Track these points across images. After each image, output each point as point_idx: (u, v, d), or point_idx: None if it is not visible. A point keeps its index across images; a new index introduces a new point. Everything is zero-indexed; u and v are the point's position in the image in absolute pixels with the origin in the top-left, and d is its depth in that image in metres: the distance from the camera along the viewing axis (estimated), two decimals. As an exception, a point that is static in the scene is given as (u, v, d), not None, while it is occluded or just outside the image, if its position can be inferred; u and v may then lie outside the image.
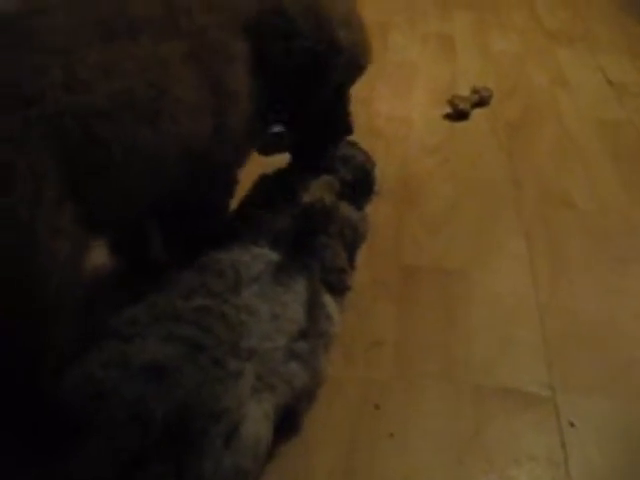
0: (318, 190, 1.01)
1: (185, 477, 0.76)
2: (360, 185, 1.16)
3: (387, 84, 1.94)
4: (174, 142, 0.89)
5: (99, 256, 1.10)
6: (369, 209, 1.23)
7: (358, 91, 1.21)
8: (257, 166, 1.19)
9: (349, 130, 1.19)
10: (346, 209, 1.10)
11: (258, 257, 0.97)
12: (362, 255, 1.18)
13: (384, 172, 1.31)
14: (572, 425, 0.99)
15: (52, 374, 0.83)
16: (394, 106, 1.85)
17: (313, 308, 0.95)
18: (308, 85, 1.06)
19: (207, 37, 0.93)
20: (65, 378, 0.81)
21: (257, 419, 0.83)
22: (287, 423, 0.91)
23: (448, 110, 1.80)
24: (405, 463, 0.93)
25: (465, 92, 1.87)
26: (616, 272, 1.29)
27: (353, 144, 1.22)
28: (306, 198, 0.99)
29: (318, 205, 0.99)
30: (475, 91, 1.86)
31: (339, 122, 1.17)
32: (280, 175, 1.16)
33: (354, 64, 1.13)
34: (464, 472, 0.93)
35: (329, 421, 0.98)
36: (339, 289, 1.03)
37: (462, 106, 1.79)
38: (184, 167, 0.93)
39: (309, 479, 0.91)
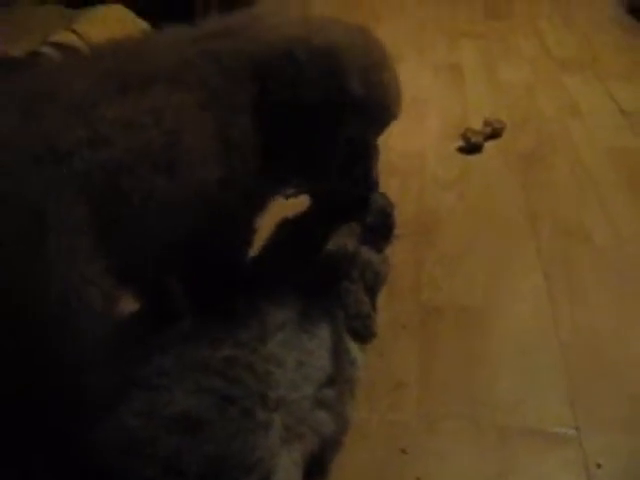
0: (340, 236, 1.03)
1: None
2: (380, 228, 1.17)
3: (400, 118, 1.95)
4: (189, 189, 0.91)
5: (124, 304, 1.12)
6: (387, 249, 1.24)
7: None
8: (279, 207, 1.20)
9: (370, 188, 1.14)
10: (367, 253, 1.11)
11: (282, 305, 0.99)
12: (381, 296, 1.19)
13: (400, 210, 1.31)
14: (599, 466, 0.98)
15: (86, 422, 0.83)
16: (407, 141, 1.87)
17: (338, 354, 0.96)
18: (317, 136, 1.01)
19: (210, 87, 0.93)
20: (97, 427, 0.82)
21: (287, 469, 0.84)
22: (314, 469, 0.92)
23: (461, 143, 1.82)
24: (432, 507, 0.94)
25: (477, 124, 1.89)
26: (636, 306, 1.29)
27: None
28: (329, 245, 1.01)
29: (341, 252, 1.01)
30: (487, 123, 1.88)
31: (360, 179, 1.11)
32: (301, 220, 1.17)
33: (374, 118, 1.07)
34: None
35: (355, 466, 0.98)
36: (364, 335, 1.04)
37: (475, 139, 1.81)
38: (198, 215, 0.95)
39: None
